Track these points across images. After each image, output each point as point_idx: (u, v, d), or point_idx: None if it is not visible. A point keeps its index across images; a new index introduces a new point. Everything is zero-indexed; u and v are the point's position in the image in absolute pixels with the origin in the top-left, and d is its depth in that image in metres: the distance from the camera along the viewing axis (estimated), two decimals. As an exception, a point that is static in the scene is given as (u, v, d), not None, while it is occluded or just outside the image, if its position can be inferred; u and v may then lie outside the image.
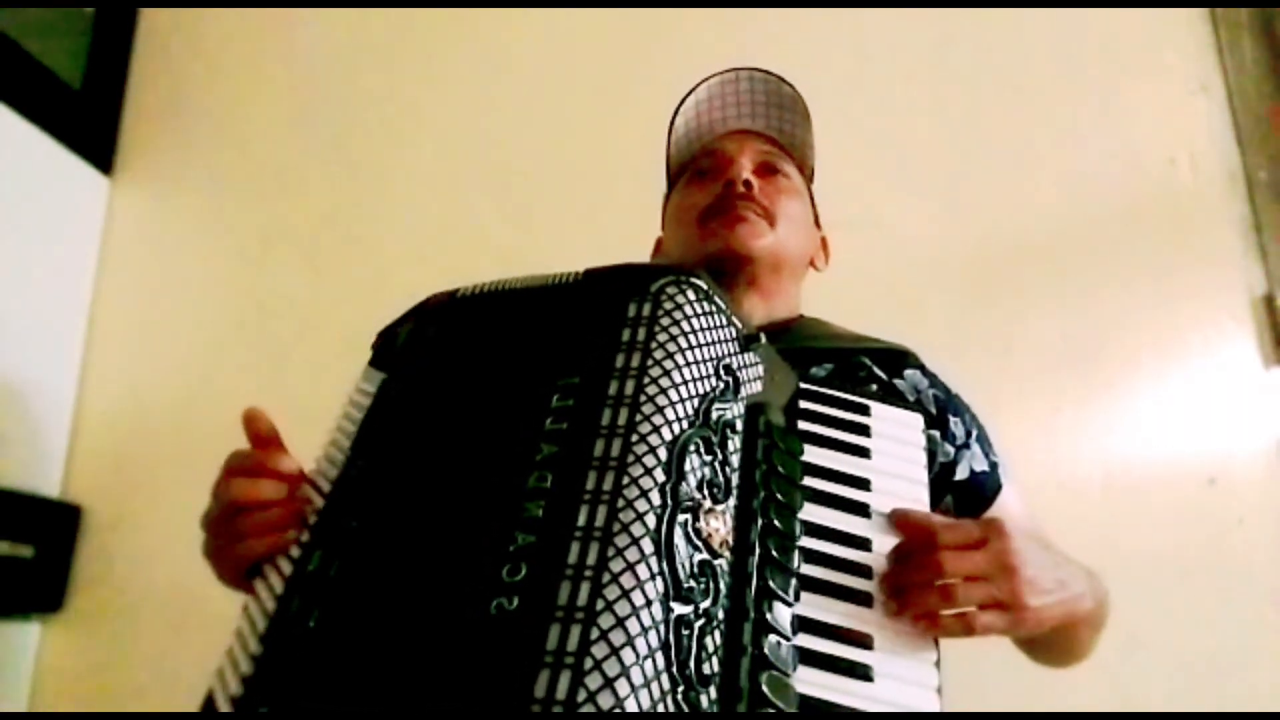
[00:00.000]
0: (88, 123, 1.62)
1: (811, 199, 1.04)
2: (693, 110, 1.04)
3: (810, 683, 0.58)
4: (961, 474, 0.87)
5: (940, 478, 0.85)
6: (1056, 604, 0.67)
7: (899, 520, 0.67)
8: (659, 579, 0.54)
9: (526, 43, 1.66)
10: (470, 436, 0.67)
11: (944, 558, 0.63)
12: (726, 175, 0.96)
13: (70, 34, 1.63)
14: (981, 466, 0.89)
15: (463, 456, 0.66)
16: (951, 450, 0.87)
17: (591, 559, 0.54)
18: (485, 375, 0.71)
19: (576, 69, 1.64)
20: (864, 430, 0.74)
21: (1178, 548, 1.30)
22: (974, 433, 0.91)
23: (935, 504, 0.74)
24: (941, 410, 0.89)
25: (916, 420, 0.76)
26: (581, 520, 0.56)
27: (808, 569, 0.64)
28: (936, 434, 0.86)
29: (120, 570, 1.46)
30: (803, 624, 0.61)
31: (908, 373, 0.91)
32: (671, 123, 1.05)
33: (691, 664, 0.53)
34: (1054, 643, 0.85)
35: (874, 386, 0.87)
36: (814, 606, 0.62)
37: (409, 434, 0.70)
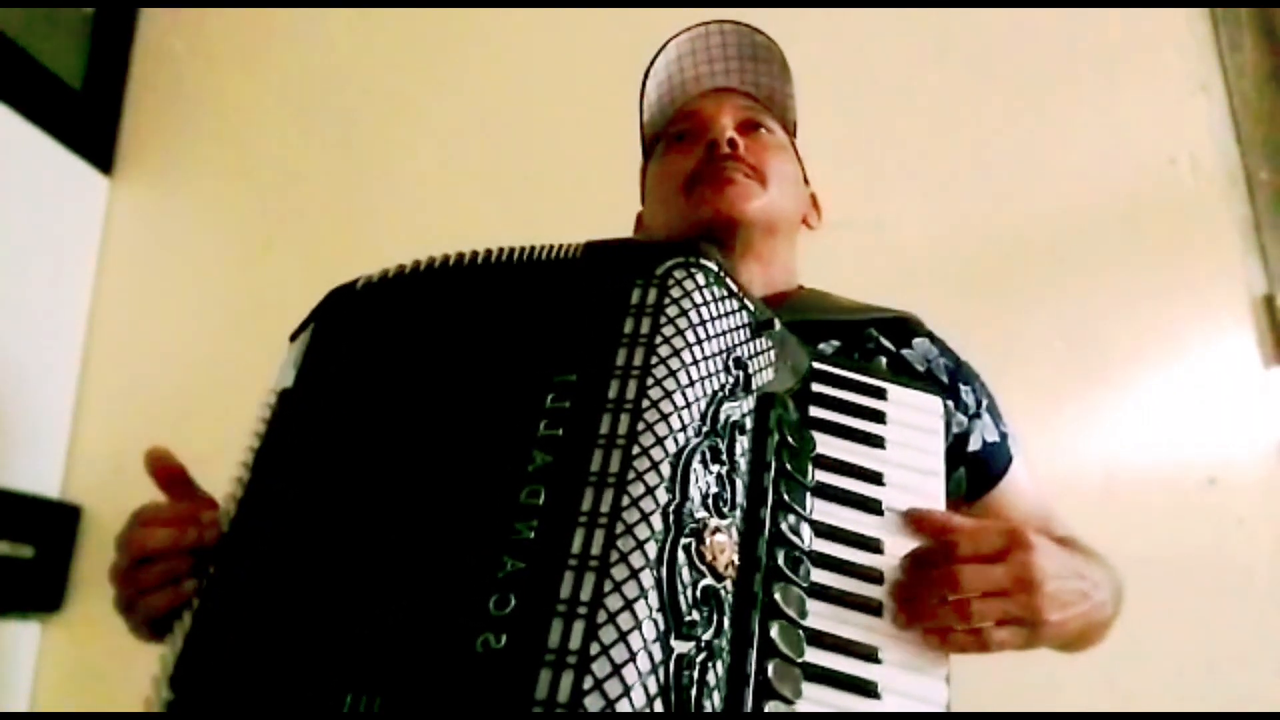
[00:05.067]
0: (88, 123, 1.62)
1: (797, 154, 0.99)
2: (664, 71, 0.97)
3: (814, 700, 0.54)
4: (974, 445, 0.85)
5: (954, 450, 0.81)
6: (1077, 616, 0.64)
7: (915, 521, 0.63)
8: (659, 616, 0.50)
9: (528, 42, 1.65)
10: (443, 433, 0.61)
11: (961, 571, 0.59)
12: (708, 136, 0.90)
13: (70, 34, 1.63)
14: (992, 437, 0.86)
15: (435, 458, 0.61)
16: (964, 420, 0.85)
17: (586, 594, 0.50)
18: (464, 362, 0.65)
19: (578, 69, 1.63)
20: (879, 416, 0.69)
21: (1178, 547, 1.30)
22: (984, 401, 0.88)
23: (948, 478, 0.70)
24: (952, 379, 0.86)
25: (935, 405, 0.72)
26: (576, 547, 0.52)
27: (815, 574, 0.59)
28: (950, 403, 0.82)
29: (120, 570, 1.46)
30: (808, 638, 0.57)
31: (916, 341, 0.87)
32: (643, 86, 0.97)
33: (692, 705, 0.49)
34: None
35: (883, 359, 0.84)
36: (821, 617, 0.58)
37: (336, 437, 0.64)
